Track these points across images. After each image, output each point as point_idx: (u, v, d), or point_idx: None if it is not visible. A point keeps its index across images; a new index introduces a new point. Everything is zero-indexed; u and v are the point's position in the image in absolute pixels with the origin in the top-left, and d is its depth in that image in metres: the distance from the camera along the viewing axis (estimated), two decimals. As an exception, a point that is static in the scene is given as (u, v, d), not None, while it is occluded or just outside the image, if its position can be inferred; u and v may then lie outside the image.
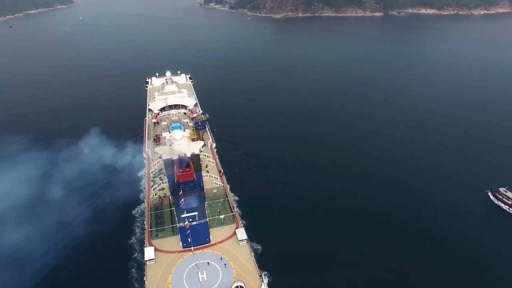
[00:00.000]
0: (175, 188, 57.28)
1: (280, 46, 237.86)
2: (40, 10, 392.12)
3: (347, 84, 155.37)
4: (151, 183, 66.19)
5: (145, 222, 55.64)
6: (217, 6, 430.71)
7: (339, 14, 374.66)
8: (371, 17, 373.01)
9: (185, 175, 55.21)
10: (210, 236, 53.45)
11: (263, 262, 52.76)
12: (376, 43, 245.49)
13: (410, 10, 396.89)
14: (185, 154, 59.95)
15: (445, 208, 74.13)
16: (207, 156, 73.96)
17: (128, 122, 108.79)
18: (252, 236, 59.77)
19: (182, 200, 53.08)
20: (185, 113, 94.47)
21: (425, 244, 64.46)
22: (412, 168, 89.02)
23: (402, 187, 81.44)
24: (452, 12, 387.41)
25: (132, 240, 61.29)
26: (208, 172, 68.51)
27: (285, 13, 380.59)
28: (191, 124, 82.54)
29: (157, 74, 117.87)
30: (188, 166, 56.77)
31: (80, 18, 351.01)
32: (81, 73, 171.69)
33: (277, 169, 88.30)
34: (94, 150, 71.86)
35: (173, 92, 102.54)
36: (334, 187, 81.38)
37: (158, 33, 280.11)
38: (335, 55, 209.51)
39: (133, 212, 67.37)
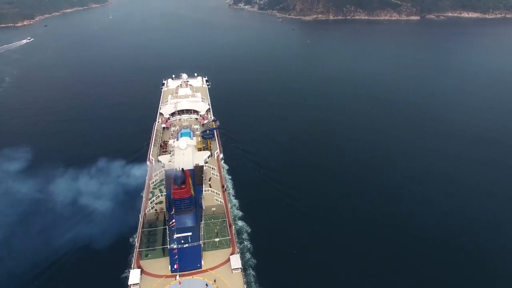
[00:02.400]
0: (171, 204, 53.25)
1: (308, 51, 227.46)
2: (75, 9, 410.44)
3: (380, 94, 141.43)
4: (150, 195, 62.71)
5: (135, 240, 51.82)
6: (246, 6, 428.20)
7: (372, 18, 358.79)
8: (407, 21, 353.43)
9: (180, 192, 50.98)
10: (202, 261, 48.81)
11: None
12: (413, 50, 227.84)
13: (450, 14, 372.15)
14: (182, 169, 55.29)
15: (495, 241, 64.34)
16: (212, 168, 69.40)
17: (140, 128, 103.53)
18: (258, 275, 54.10)
19: (173, 220, 48.71)
20: (196, 119, 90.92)
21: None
22: (458, 188, 79.51)
23: (447, 208, 73.09)
24: (498, 16, 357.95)
25: (126, 274, 51.57)
26: (210, 187, 64.01)
27: (315, 15, 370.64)
28: (198, 132, 78.47)
29: (173, 76, 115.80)
30: (184, 182, 52.47)
31: (110, 17, 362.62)
32: (101, 73, 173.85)
33: (305, 192, 75.86)
34: (99, 163, 67.98)
35: (186, 96, 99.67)
36: (379, 217, 69.06)
37: (183, 33, 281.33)
38: (367, 62, 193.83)
39: (131, 240, 58.15)
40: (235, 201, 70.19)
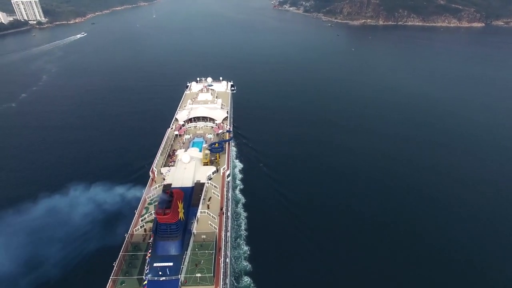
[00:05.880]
0: (157, 226, 48.11)
1: (351, 61, 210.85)
2: (125, 7, 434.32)
3: (433, 118, 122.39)
4: (144, 211, 58.21)
5: (114, 263, 47.28)
6: (291, 8, 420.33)
7: (427, 24, 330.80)
8: (468, 28, 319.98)
9: (163, 217, 45.50)
10: (179, 299, 42.84)
11: None
12: (476, 65, 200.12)
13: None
14: (170, 191, 49.62)
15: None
16: (215, 187, 63.16)
17: (158, 132, 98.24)
18: None
19: (149, 252, 43.35)
20: (212, 127, 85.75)
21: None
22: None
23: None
24: None
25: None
26: (208, 208, 57.78)
27: (363, 20, 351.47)
28: (205, 145, 72.95)
29: (198, 79, 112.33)
30: (169, 206, 46.86)
31: (154, 16, 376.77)
32: (133, 71, 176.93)
33: (346, 249, 60.92)
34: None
35: (205, 102, 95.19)
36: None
37: (223, 34, 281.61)
38: (419, 77, 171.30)
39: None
40: (245, 248, 60.97)
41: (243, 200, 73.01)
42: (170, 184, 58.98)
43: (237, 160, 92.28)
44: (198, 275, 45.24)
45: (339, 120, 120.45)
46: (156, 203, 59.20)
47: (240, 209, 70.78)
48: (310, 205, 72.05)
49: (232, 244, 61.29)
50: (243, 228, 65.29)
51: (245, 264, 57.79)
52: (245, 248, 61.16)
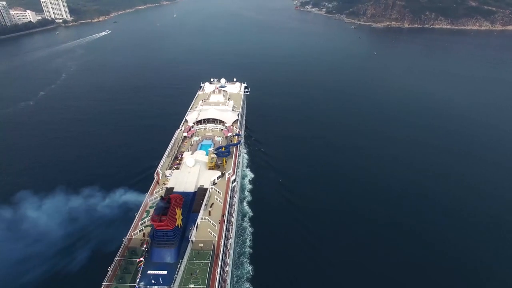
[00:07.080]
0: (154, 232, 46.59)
1: (372, 66, 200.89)
2: (148, 5, 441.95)
3: (466, 133, 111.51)
4: (144, 214, 56.94)
5: (108, 268, 46.08)
6: (313, 9, 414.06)
7: (456, 27, 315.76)
8: (502, 31, 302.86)
9: (159, 224, 43.86)
10: (168, 312, 40.97)
11: None
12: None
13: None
14: (168, 197, 47.87)
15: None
16: (218, 192, 61.13)
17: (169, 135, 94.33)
18: None
19: (142, 258, 41.75)
20: (221, 130, 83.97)
21: None
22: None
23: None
24: None
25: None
26: (209, 215, 55.72)
27: (388, 22, 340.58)
28: (211, 149, 71.08)
29: (211, 79, 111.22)
30: (165, 213, 45.15)
31: (174, 15, 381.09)
32: (149, 71, 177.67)
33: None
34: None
35: (217, 103, 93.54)
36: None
37: (243, 35, 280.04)
38: (447, 88, 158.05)
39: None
40: (248, 268, 56.41)
41: (250, 213, 68.74)
42: (173, 188, 57.50)
43: (248, 169, 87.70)
44: (192, 285, 43.24)
45: (361, 125, 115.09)
46: (157, 207, 58.31)
47: (246, 223, 66.66)
48: (329, 221, 65.39)
49: (233, 254, 58.81)
50: (247, 245, 60.77)
51: (247, 286, 53.80)
52: (249, 267, 56.98)
